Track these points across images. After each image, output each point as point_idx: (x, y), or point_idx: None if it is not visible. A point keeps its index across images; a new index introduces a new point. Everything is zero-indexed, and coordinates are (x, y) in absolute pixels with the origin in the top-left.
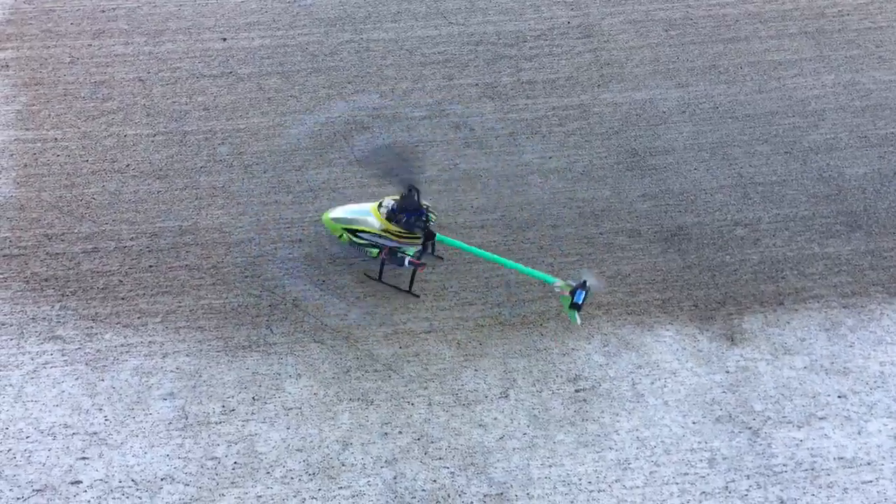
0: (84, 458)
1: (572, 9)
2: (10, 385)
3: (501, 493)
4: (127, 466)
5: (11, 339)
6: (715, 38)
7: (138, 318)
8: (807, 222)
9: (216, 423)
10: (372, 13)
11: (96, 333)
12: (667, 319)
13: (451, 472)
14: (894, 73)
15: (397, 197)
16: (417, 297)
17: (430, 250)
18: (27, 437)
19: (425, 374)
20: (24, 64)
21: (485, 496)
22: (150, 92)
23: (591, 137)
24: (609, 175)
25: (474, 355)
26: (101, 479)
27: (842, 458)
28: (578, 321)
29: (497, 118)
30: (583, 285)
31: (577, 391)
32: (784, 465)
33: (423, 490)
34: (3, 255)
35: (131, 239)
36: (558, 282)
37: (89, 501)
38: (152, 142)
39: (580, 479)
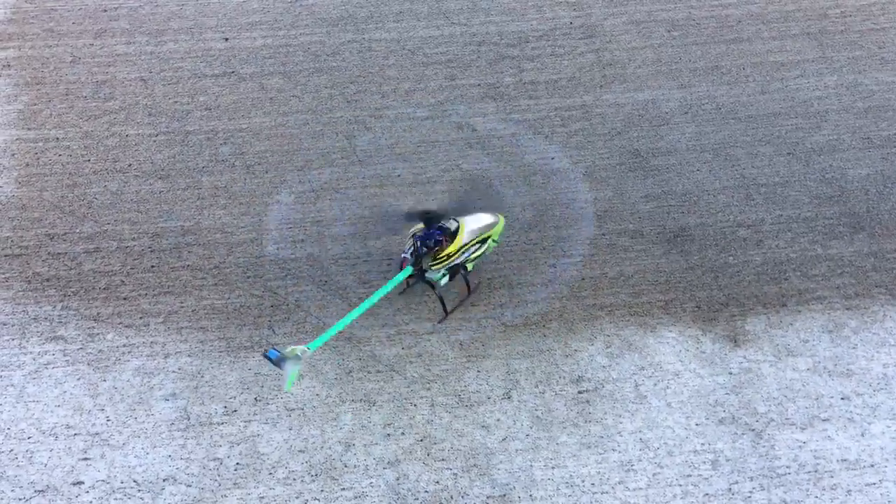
0: (86, 459)
1: (574, 9)
2: (12, 385)
3: (504, 495)
4: (129, 467)
5: (13, 339)
6: (717, 39)
7: (140, 318)
8: (810, 224)
9: (218, 423)
10: (374, 13)
11: (98, 334)
12: (670, 321)
13: (454, 474)
14: None
15: (449, 223)
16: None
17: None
18: (29, 438)
19: (428, 376)
20: (26, 63)
21: (488, 498)
22: (152, 92)
23: (593, 138)
24: (611, 176)
25: (477, 356)
26: (102, 480)
27: (845, 460)
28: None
29: (499, 119)
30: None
31: (580, 392)
32: (787, 467)
33: (426, 491)
34: (5, 255)
35: (133, 239)
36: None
37: (91, 502)
38: (154, 142)
39: (583, 481)
